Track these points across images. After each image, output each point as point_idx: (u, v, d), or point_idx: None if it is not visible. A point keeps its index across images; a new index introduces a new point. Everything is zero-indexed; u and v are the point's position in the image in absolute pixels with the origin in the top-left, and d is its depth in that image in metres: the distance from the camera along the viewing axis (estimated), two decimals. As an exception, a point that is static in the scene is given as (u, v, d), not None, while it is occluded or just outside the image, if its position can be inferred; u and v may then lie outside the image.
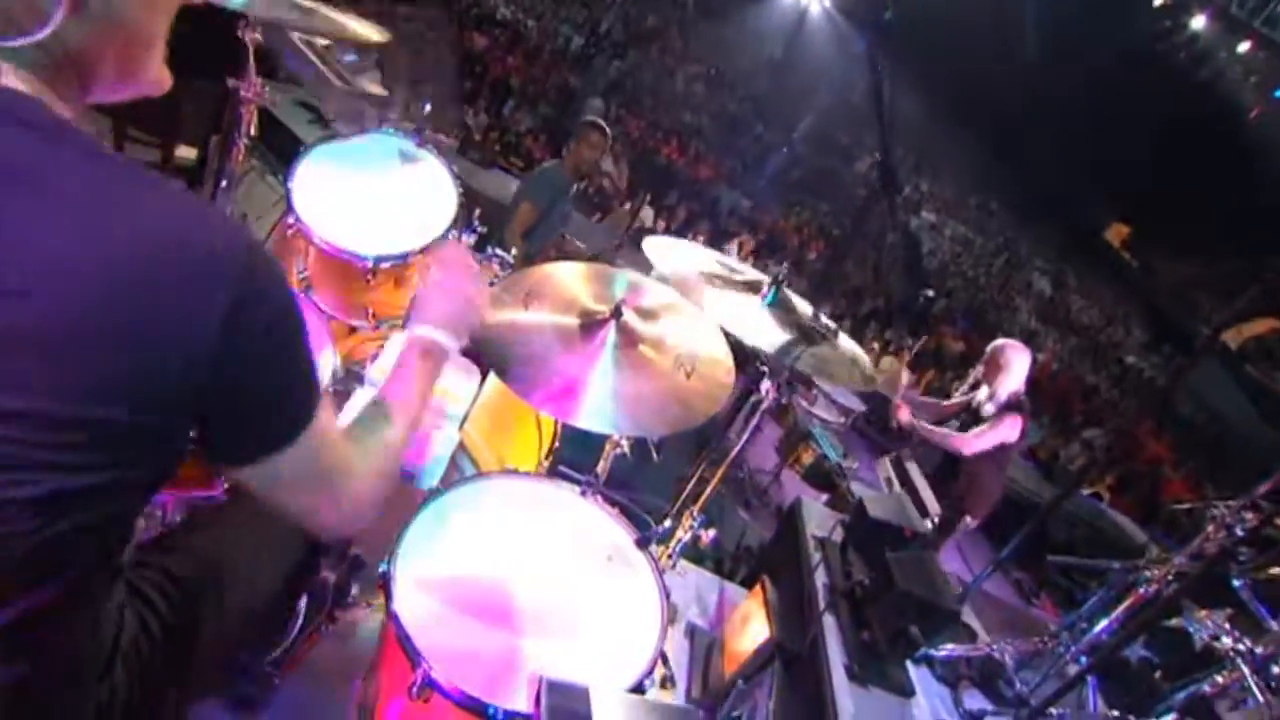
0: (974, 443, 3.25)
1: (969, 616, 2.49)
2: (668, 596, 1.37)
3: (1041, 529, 4.54)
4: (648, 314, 1.76)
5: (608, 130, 3.62)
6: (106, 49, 0.65)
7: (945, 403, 3.74)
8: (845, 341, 1.81)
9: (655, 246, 1.90)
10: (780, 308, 1.82)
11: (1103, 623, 2.13)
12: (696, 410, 1.56)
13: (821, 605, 2.15)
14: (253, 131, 1.92)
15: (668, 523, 1.45)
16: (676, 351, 1.69)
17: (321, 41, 4.13)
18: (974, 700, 2.14)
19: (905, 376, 3.68)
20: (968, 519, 3.41)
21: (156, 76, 0.72)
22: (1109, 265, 16.17)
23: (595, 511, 1.53)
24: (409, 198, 1.83)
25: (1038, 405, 9.57)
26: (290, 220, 1.66)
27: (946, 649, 2.20)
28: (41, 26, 0.58)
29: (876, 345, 7.96)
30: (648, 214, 8.68)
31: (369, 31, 1.88)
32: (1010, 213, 17.66)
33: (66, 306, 0.56)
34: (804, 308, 1.71)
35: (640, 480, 3.43)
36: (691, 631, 2.34)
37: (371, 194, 1.80)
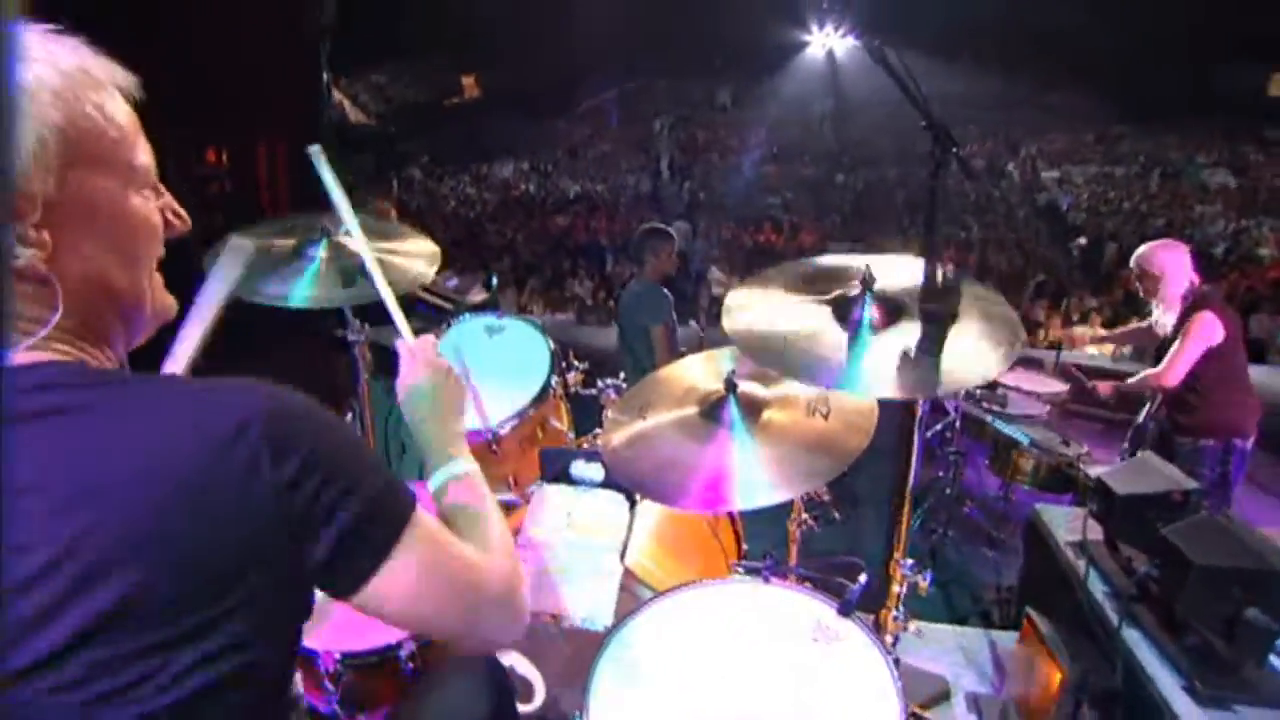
0: (1171, 370, 2.85)
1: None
2: (895, 661, 1.16)
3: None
4: (763, 375, 1.67)
5: (670, 230, 3.70)
6: (102, 306, 0.69)
7: (1127, 329, 3.51)
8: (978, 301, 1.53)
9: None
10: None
11: None
12: (848, 447, 1.41)
13: (1115, 620, 1.75)
14: (370, 368, 2.13)
15: (862, 578, 1.26)
16: (805, 399, 1.57)
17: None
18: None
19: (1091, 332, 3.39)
20: (1236, 442, 2.91)
21: (157, 309, 0.76)
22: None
23: (786, 594, 1.38)
24: (507, 363, 1.92)
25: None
26: (411, 426, 1.76)
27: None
28: (53, 313, 0.64)
29: (1057, 320, 7.10)
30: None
31: (421, 262, 1.92)
32: (1140, 127, 15.81)
33: (133, 516, 0.59)
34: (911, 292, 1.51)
35: (850, 546, 3.12)
36: (976, 701, 1.98)
37: (473, 374, 1.90)
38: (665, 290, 3.61)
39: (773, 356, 1.35)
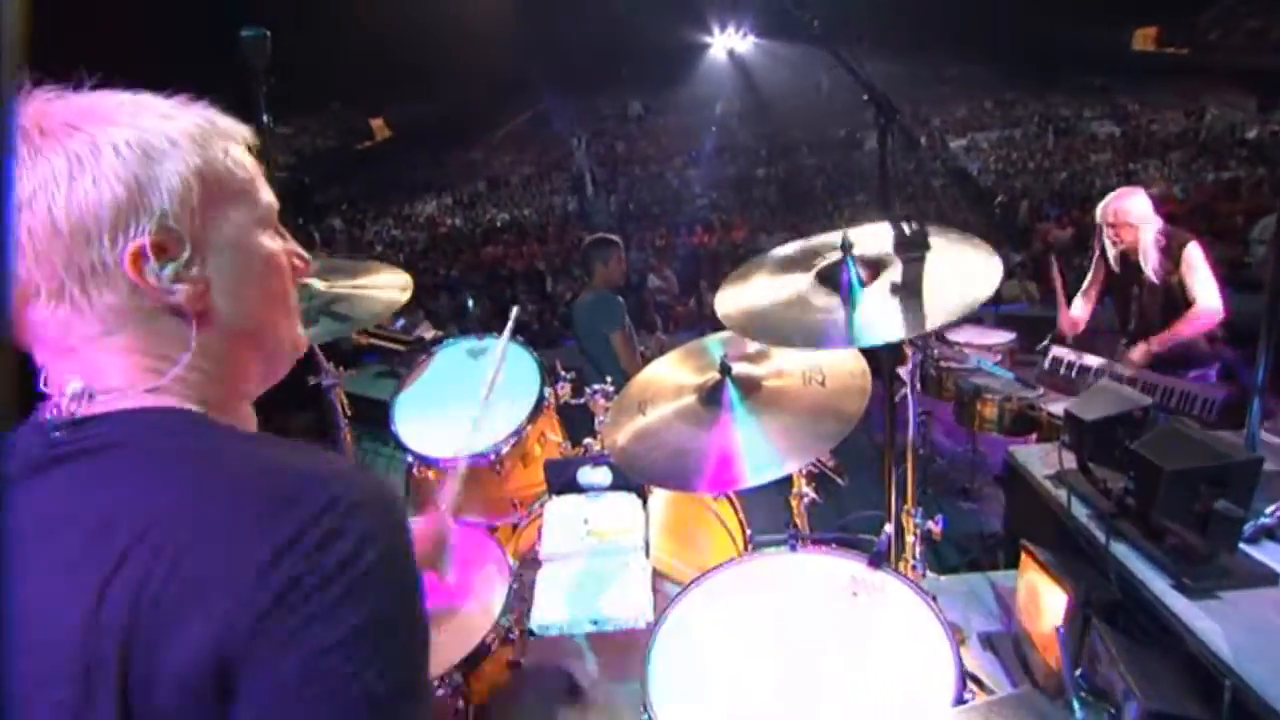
0: (1214, 298, 2.85)
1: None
2: (933, 597, 1.23)
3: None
4: (755, 356, 1.73)
5: (615, 239, 3.76)
6: (241, 344, 0.69)
7: (1086, 297, 3.39)
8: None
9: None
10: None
11: None
12: (849, 409, 1.48)
13: (1102, 539, 1.87)
14: (348, 412, 2.10)
15: (888, 528, 1.32)
16: (800, 370, 1.64)
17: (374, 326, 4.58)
18: (1357, 544, 1.73)
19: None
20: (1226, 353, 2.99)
21: (296, 345, 0.75)
22: (1161, 70, 14.84)
23: (815, 559, 1.43)
24: (497, 382, 1.92)
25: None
26: (411, 461, 1.75)
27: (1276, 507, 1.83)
28: (184, 353, 0.64)
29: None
30: (711, 299, 8.79)
31: (393, 291, 1.94)
32: (1028, 90, 16.87)
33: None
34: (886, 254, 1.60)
35: (855, 511, 3.20)
36: (988, 639, 2.07)
37: (464, 399, 1.90)
38: (618, 296, 3.64)
39: (770, 332, 1.41)
